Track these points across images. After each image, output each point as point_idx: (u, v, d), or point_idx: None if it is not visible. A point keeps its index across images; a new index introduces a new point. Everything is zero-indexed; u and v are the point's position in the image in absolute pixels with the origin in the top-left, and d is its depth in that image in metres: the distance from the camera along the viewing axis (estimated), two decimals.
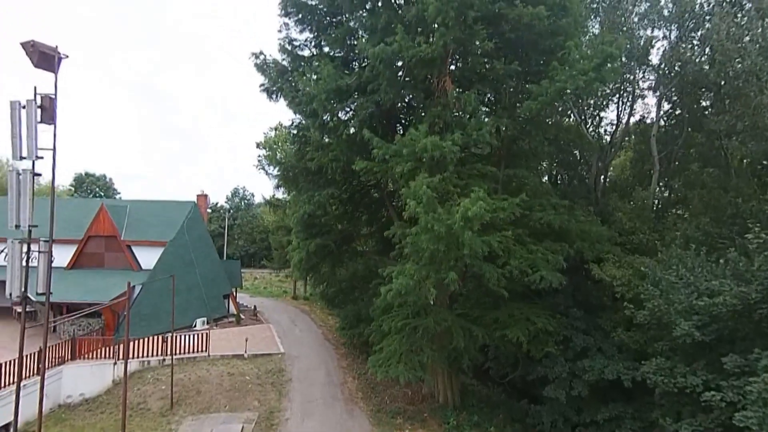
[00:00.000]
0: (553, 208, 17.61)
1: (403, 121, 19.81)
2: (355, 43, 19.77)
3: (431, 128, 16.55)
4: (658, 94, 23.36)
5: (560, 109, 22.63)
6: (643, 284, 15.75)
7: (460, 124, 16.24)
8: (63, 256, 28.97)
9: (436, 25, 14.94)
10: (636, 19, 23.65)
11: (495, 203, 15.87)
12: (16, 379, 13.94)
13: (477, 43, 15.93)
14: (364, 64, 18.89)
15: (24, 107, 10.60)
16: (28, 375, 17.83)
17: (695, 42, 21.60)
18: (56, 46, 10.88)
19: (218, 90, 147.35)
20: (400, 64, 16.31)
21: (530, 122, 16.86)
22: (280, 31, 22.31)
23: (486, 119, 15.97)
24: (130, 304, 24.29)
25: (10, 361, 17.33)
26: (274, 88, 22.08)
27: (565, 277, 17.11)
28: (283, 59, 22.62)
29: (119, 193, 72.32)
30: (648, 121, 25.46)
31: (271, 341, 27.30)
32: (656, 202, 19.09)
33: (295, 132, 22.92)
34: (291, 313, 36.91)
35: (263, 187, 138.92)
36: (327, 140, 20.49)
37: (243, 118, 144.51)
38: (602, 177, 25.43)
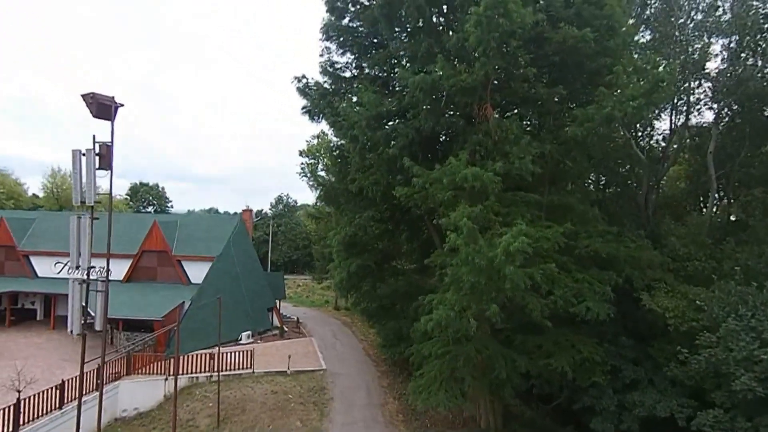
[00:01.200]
0: (600, 235, 16.98)
1: (443, 146, 19.66)
2: (395, 63, 19.88)
3: (472, 156, 16.37)
4: (716, 107, 22.11)
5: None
6: (698, 318, 14.90)
7: (502, 152, 15.95)
8: (119, 269, 30.59)
9: (476, 54, 14.74)
10: (691, 29, 22.51)
11: (538, 232, 15.51)
12: (77, 395, 14.99)
13: (519, 70, 15.61)
14: (404, 88, 18.91)
15: (84, 155, 11.31)
16: (88, 390, 18.91)
17: (759, 52, 20.26)
18: (113, 97, 11.52)
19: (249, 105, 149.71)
20: (440, 91, 16.19)
21: (576, 146, 16.34)
22: (321, 55, 22.78)
23: (528, 145, 15.53)
24: (180, 321, 25.38)
25: (72, 378, 18.43)
26: (316, 111, 22.55)
27: (613, 307, 16.47)
28: (325, 81, 23.03)
29: (171, 201, 75.74)
30: (704, 135, 24.12)
31: (313, 356, 27.75)
32: (713, 225, 17.97)
33: (336, 152, 23.22)
34: (333, 326, 37.38)
35: (304, 193, 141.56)
36: (368, 163, 20.64)
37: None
38: (653, 193, 24.30)
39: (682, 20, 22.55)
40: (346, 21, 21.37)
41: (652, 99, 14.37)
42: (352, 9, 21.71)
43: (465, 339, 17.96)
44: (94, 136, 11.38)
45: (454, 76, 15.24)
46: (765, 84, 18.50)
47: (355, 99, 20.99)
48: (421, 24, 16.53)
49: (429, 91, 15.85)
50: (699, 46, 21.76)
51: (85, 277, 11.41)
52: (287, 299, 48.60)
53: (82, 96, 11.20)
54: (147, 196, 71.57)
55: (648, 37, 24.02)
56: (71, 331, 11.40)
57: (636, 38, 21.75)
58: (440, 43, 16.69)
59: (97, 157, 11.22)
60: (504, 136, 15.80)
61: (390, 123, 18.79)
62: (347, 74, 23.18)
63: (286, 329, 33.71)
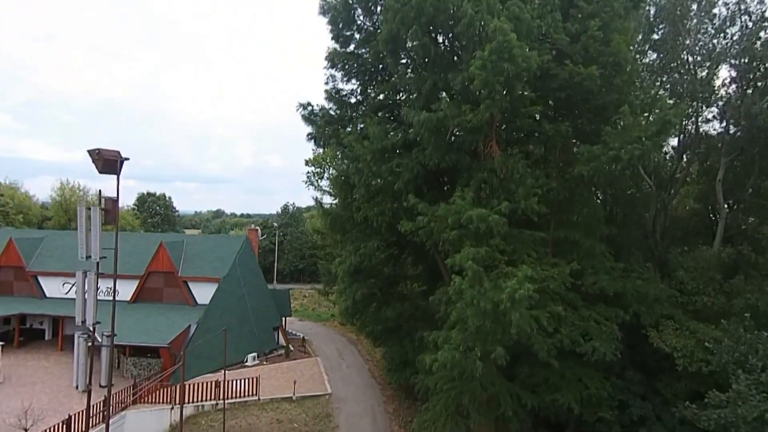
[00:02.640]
0: (607, 272, 16.85)
1: (449, 178, 19.58)
2: (401, 91, 19.82)
3: (477, 193, 16.29)
4: (723, 132, 21.82)
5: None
6: (707, 359, 14.71)
7: (507, 190, 15.88)
8: (126, 290, 30.79)
9: (481, 96, 14.65)
10: (698, 53, 22.32)
11: (544, 271, 15.44)
12: (84, 428, 15.13)
13: (525, 107, 15.52)
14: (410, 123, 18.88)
15: (89, 209, 11.37)
16: (95, 423, 18.98)
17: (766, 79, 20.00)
18: (118, 152, 11.58)
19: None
20: (445, 129, 16.13)
21: (582, 184, 16.22)
22: (326, 83, 22.77)
23: (534, 186, 15.47)
24: (185, 346, 25.44)
25: (79, 413, 18.50)
26: (322, 138, 22.61)
27: (620, 345, 16.33)
28: (330, 108, 23.05)
29: (177, 211, 76.15)
30: (714, 157, 23.80)
31: (318, 379, 27.72)
32: (722, 259, 17.76)
33: (342, 179, 23.17)
34: (338, 343, 37.32)
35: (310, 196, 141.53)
36: (373, 193, 20.60)
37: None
38: (661, 216, 24.05)
39: (689, 41, 22.36)
40: (351, 48, 21.36)
41: (660, 140, 14.22)
42: (358, 36, 21.75)
43: (471, 376, 17.89)
44: (100, 191, 11.47)
45: (459, 116, 15.20)
46: None
47: (361, 125, 21.03)
48: (426, 60, 16.49)
49: (434, 130, 15.81)
50: (706, 71, 21.61)
51: (90, 331, 11.46)
52: (294, 312, 48.65)
53: (89, 152, 11.27)
54: (154, 206, 71.96)
55: (654, 56, 23.89)
56: (77, 386, 11.45)
57: (644, 59, 21.63)
58: (445, 79, 16.64)
59: (102, 212, 11.28)
60: (509, 175, 15.72)
61: (396, 158, 18.70)
62: (353, 100, 23.20)
63: (291, 348, 33.70)
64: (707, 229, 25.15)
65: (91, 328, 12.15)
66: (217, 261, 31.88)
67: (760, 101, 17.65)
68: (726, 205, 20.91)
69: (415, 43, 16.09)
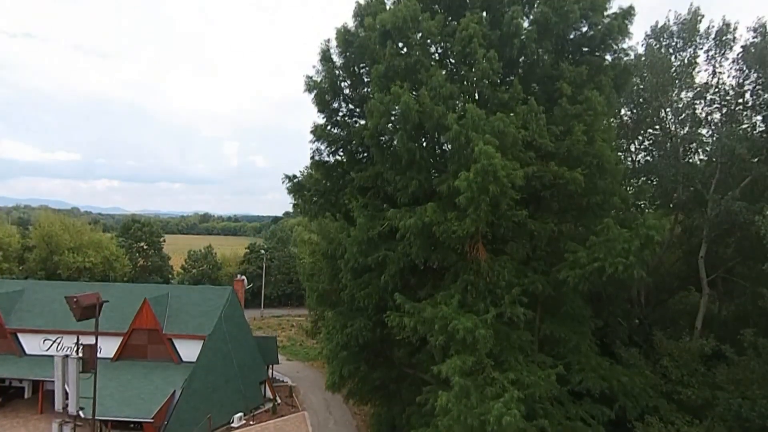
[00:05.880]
0: (593, 369, 16.91)
1: (436, 270, 19.43)
2: (387, 184, 19.72)
3: (464, 294, 16.25)
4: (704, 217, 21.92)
5: None
6: None
7: (494, 294, 15.88)
8: (109, 347, 30.25)
9: (466, 209, 14.60)
10: (681, 116, 22.72)
11: (531, 376, 15.46)
12: None
13: (510, 213, 15.53)
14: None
15: (66, 357, 11.08)
16: None
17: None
18: (98, 295, 11.31)
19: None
20: (431, 233, 16.05)
21: (567, 287, 16.26)
22: (312, 156, 22.60)
23: (519, 289, 15.52)
24: (169, 416, 24.98)
25: None
26: (309, 212, 22.47)
27: None
28: (316, 178, 22.90)
29: (163, 237, 75.18)
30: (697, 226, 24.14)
31: None
32: (704, 351, 17.91)
33: (329, 255, 22.95)
34: (327, 393, 36.97)
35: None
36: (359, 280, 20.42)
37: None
38: (644, 281, 24.26)
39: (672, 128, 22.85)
40: (336, 130, 21.27)
41: (643, 256, 14.33)
42: (345, 109, 21.70)
43: None
44: (78, 337, 11.17)
45: (444, 222, 15.16)
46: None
47: (347, 202, 20.88)
48: (412, 161, 16.44)
49: (419, 234, 15.76)
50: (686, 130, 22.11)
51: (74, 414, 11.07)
52: (281, 348, 48.18)
53: (66, 299, 11.00)
54: (139, 233, 70.97)
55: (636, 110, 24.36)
56: None
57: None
58: (430, 181, 16.62)
59: (80, 362, 11.00)
60: (495, 280, 15.73)
61: (383, 241, 18.58)
62: (339, 170, 23.06)
63: (279, 401, 33.41)
64: (691, 278, 25.03)
65: (75, 413, 11.52)
66: (203, 316, 31.46)
67: (740, 198, 17.90)
68: (707, 283, 21.15)
69: (400, 147, 16.04)
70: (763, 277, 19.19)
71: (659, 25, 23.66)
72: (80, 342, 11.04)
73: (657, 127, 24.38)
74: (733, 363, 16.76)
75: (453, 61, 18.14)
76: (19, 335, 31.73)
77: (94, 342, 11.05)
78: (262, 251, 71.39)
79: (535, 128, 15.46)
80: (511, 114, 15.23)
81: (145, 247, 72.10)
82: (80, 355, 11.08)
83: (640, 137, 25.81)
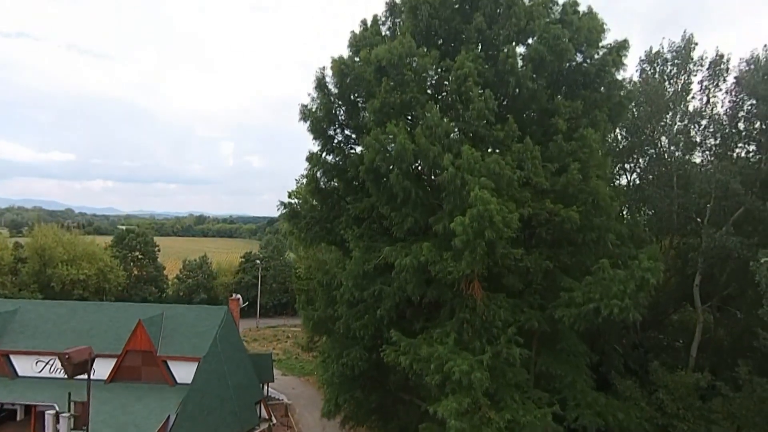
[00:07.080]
0: (589, 406, 16.90)
1: (433, 306, 19.39)
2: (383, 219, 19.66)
3: (460, 332, 16.21)
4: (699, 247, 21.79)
5: None
6: None
7: (490, 332, 15.86)
8: (103, 368, 29.95)
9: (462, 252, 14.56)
10: (675, 140, 22.80)
11: (527, 415, 15.44)
12: None
13: (505, 250, 15.51)
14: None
15: (58, 415, 10.94)
16: None
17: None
18: (90, 349, 11.19)
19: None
20: (427, 271, 16.01)
21: (563, 325, 16.26)
22: (309, 183, 22.56)
23: (515, 329, 15.51)
24: None
25: None
26: (306, 240, 22.39)
27: None
28: (312, 206, 22.86)
29: (157, 246, 74.80)
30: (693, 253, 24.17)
31: None
32: (700, 384, 17.95)
33: (326, 284, 22.82)
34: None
35: None
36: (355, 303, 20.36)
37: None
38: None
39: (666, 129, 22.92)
40: (332, 157, 21.22)
41: (639, 299, 14.34)
42: (340, 136, 21.66)
43: None
44: (69, 394, 11.04)
45: (439, 262, 15.12)
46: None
47: (342, 231, 20.78)
48: (407, 199, 16.38)
49: (415, 272, 15.72)
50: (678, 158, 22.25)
51: None
52: (276, 362, 47.97)
53: (58, 356, 10.87)
54: (133, 243, 70.57)
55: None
56: None
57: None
58: (426, 218, 16.58)
59: (72, 419, 10.87)
60: (491, 319, 15.71)
61: (379, 274, 18.50)
62: (335, 196, 22.99)
63: (274, 421, 33.27)
64: (687, 298, 24.99)
65: None
66: (197, 337, 31.26)
67: (734, 230, 17.98)
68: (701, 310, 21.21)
69: (395, 185, 15.97)
70: (758, 305, 19.31)
71: (653, 51, 23.78)
72: (72, 399, 10.91)
73: (651, 150, 24.48)
74: (728, 398, 16.79)
75: (448, 95, 18.12)
76: (12, 357, 31.41)
77: (86, 399, 10.93)
78: (258, 261, 70.93)
79: (530, 167, 15.46)
80: (507, 152, 15.22)
81: (140, 256, 71.65)
82: (72, 412, 10.96)
83: (635, 156, 25.87)
